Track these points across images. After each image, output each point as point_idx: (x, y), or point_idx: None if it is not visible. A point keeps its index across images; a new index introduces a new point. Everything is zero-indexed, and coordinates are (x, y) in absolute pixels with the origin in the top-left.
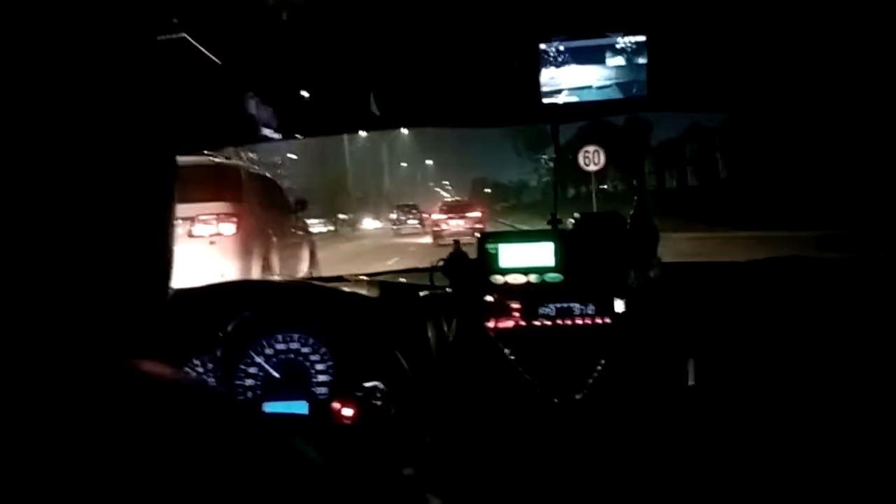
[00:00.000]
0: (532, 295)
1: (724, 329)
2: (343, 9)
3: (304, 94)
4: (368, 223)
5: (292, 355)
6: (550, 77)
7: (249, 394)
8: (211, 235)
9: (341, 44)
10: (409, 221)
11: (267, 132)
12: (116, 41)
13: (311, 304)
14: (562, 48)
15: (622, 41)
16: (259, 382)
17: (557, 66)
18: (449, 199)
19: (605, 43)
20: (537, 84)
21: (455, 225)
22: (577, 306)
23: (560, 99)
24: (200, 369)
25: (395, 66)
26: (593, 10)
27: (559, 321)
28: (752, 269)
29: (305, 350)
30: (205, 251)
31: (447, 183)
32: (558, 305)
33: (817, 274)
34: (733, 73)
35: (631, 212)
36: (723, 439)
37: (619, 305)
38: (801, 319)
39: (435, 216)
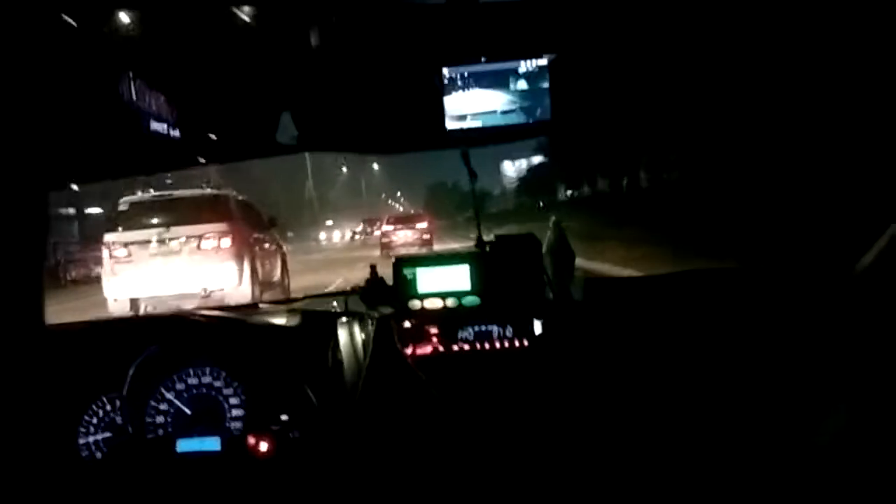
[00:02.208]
0: (450, 320)
1: (650, 345)
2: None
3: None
4: None
5: (204, 390)
6: (455, 102)
7: (161, 431)
8: (214, 248)
9: (248, 60)
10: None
11: (158, 127)
12: None
13: (222, 337)
14: (465, 73)
15: (525, 65)
16: (170, 419)
17: (461, 90)
18: (397, 212)
19: (508, 67)
20: (441, 109)
21: (403, 236)
22: (495, 329)
23: (465, 124)
24: (108, 407)
25: (299, 90)
26: (497, 35)
27: (478, 345)
28: (672, 283)
29: (218, 384)
30: (210, 259)
31: (400, 195)
32: (476, 329)
33: (734, 287)
34: (637, 97)
35: (548, 233)
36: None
37: (537, 327)
38: (725, 334)
39: (384, 227)
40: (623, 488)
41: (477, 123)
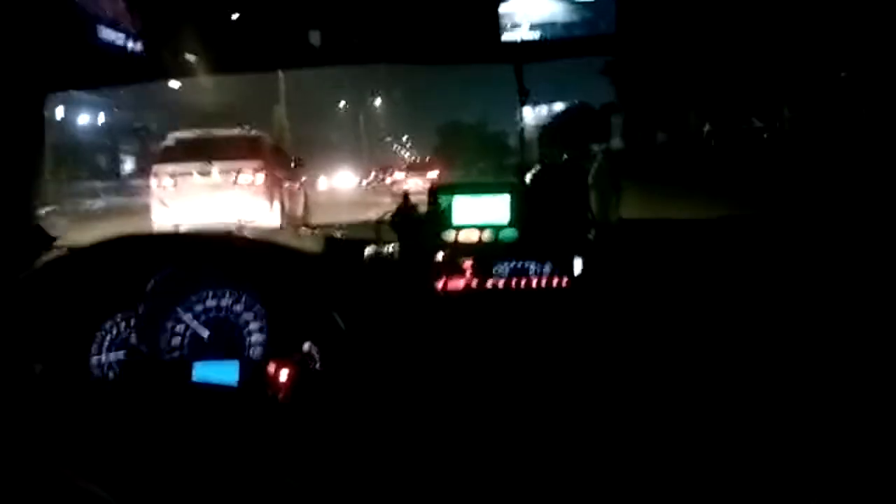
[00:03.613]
0: (485, 253)
1: (687, 291)
2: None
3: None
4: None
5: (223, 313)
6: (511, 10)
7: (176, 353)
8: (249, 183)
9: None
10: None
11: (108, 35)
12: None
13: (245, 258)
14: None
15: None
16: (187, 341)
17: None
18: (408, 160)
19: None
20: (496, 18)
21: (414, 184)
22: (532, 265)
23: (521, 35)
24: (123, 326)
25: None
26: None
27: (513, 282)
28: (712, 228)
29: (238, 308)
30: (245, 192)
31: (407, 139)
32: (513, 264)
33: (775, 232)
34: (713, 12)
35: (595, 164)
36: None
37: (577, 265)
38: (764, 280)
39: (395, 175)
40: (663, 445)
41: (534, 35)
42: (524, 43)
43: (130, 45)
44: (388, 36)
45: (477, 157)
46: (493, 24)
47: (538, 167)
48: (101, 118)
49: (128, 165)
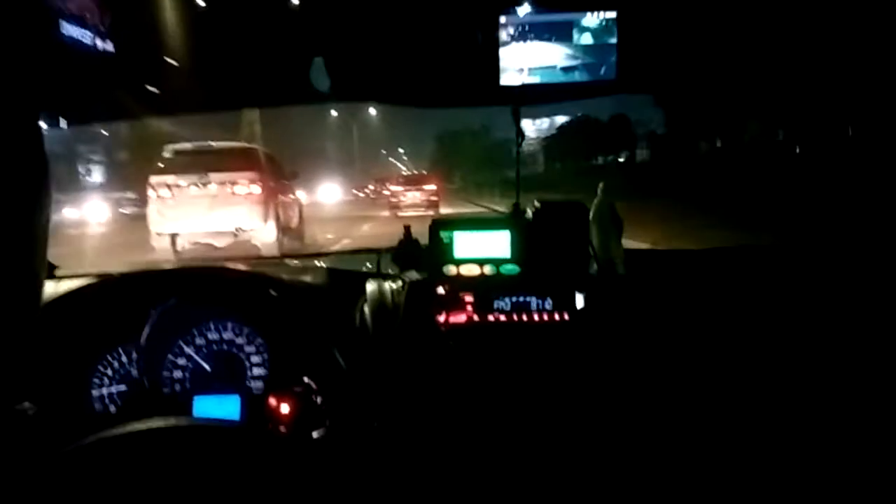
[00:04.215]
0: (487, 288)
1: (695, 325)
2: None
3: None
4: None
5: (225, 346)
6: (511, 55)
7: (178, 386)
8: (245, 193)
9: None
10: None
11: (74, 32)
12: None
13: (246, 291)
14: (525, 23)
15: (591, 18)
16: (188, 375)
17: (519, 42)
18: (405, 173)
19: (571, 19)
20: (496, 62)
21: (412, 197)
22: (534, 300)
23: (521, 79)
24: (124, 359)
25: (340, 34)
26: None
27: (515, 316)
28: (715, 259)
29: (240, 341)
30: (241, 202)
31: (402, 151)
32: (514, 299)
33: (777, 264)
34: (711, 56)
35: (596, 200)
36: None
37: (579, 300)
38: (769, 312)
39: (392, 188)
40: (665, 473)
41: (534, 79)
42: (523, 87)
43: (100, 44)
44: (389, 79)
45: (477, 169)
46: (494, 68)
47: (538, 204)
48: (63, 123)
49: (96, 175)
